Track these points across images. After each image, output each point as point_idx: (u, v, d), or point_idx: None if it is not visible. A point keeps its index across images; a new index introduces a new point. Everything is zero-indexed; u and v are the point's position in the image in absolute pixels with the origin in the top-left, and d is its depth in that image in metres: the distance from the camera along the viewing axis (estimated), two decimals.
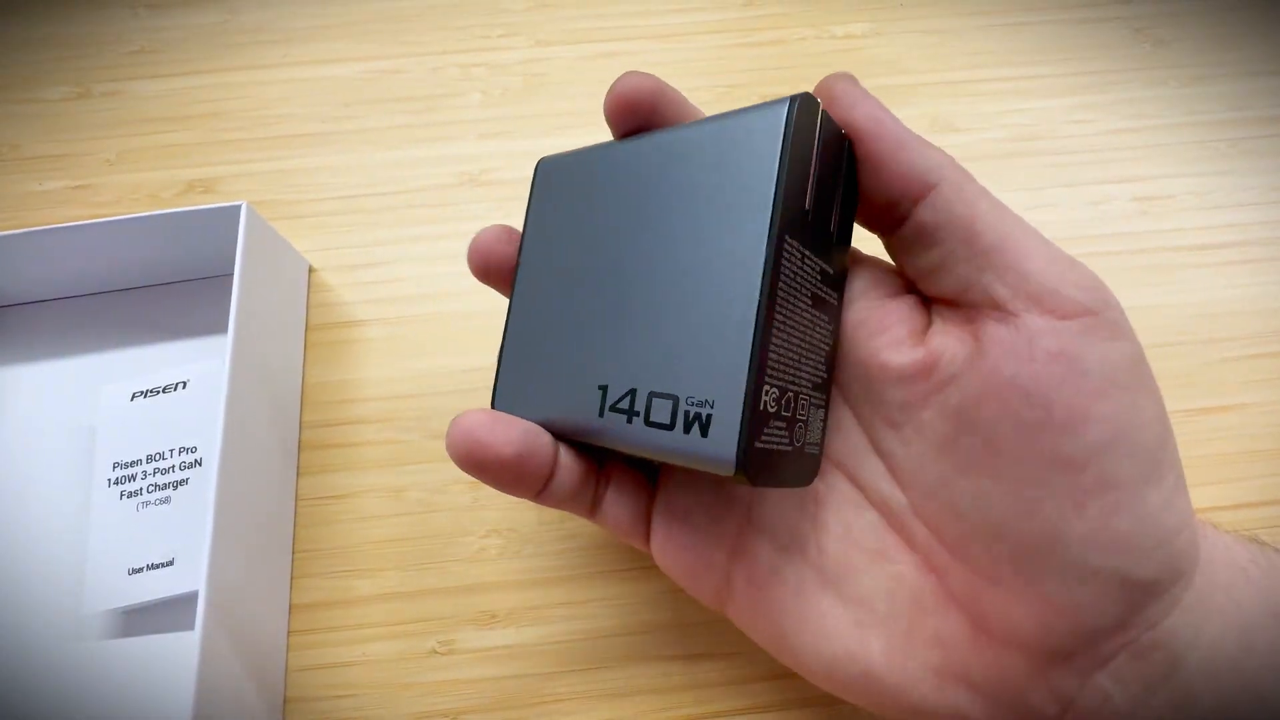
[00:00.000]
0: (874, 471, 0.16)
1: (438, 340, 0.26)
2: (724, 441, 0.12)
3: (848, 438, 0.16)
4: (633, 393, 0.14)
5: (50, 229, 0.22)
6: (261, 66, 0.31)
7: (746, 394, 0.12)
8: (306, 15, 0.32)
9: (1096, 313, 0.13)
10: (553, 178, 0.17)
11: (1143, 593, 0.13)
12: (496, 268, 0.18)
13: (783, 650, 0.16)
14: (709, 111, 0.30)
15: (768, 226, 0.13)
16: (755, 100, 0.31)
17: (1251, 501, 0.24)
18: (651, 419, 0.13)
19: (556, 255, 0.17)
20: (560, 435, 0.16)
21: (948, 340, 0.14)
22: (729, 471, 0.12)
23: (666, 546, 0.17)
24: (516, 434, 0.15)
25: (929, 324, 0.15)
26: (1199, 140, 0.30)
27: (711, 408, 0.13)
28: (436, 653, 0.22)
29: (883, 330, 0.15)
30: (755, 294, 0.12)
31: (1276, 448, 0.24)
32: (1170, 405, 0.25)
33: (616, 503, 0.17)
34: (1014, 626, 0.14)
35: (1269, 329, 0.26)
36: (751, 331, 0.12)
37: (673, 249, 0.14)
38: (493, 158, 0.29)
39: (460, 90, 0.31)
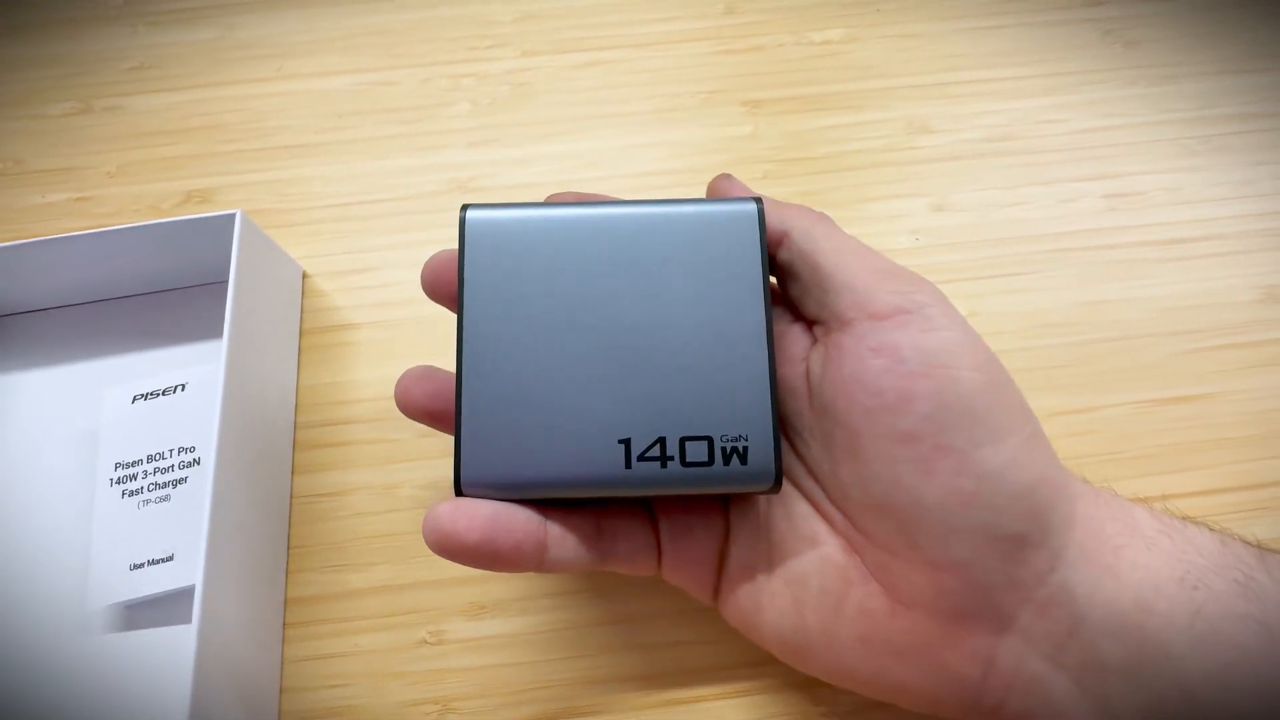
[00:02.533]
0: (799, 471, 0.18)
1: (427, 343, 0.27)
2: (764, 465, 0.16)
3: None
4: (662, 441, 0.16)
5: (53, 239, 0.23)
6: (257, 80, 0.32)
7: (774, 427, 0.16)
8: (300, 30, 0.33)
9: (910, 310, 0.16)
10: (487, 236, 0.17)
11: (1013, 544, 0.14)
12: (445, 290, 0.19)
13: (751, 631, 0.18)
14: (692, 117, 0.31)
15: (762, 298, 0.17)
16: (736, 105, 0.32)
17: (1219, 488, 0.24)
18: (688, 460, 0.16)
19: (511, 318, 0.17)
20: (572, 492, 0.16)
21: (815, 354, 0.17)
22: (768, 486, 0.16)
23: (676, 565, 0.18)
24: (480, 520, 0.15)
25: (812, 343, 0.18)
26: (1169, 138, 0.30)
27: (746, 441, 0.16)
28: (427, 643, 0.22)
29: (781, 352, 0.18)
30: (765, 351, 0.16)
31: (1244, 436, 0.25)
32: (1140, 395, 0.26)
33: (630, 545, 0.18)
34: (918, 592, 0.15)
35: (1236, 321, 0.27)
36: (768, 380, 0.16)
37: (670, 314, 0.17)
38: (481, 165, 0.30)
39: (449, 100, 0.32)
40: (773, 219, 0.18)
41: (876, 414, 0.15)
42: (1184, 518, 0.16)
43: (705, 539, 0.18)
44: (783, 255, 0.18)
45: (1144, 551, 0.15)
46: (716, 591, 0.19)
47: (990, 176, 0.30)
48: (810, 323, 0.18)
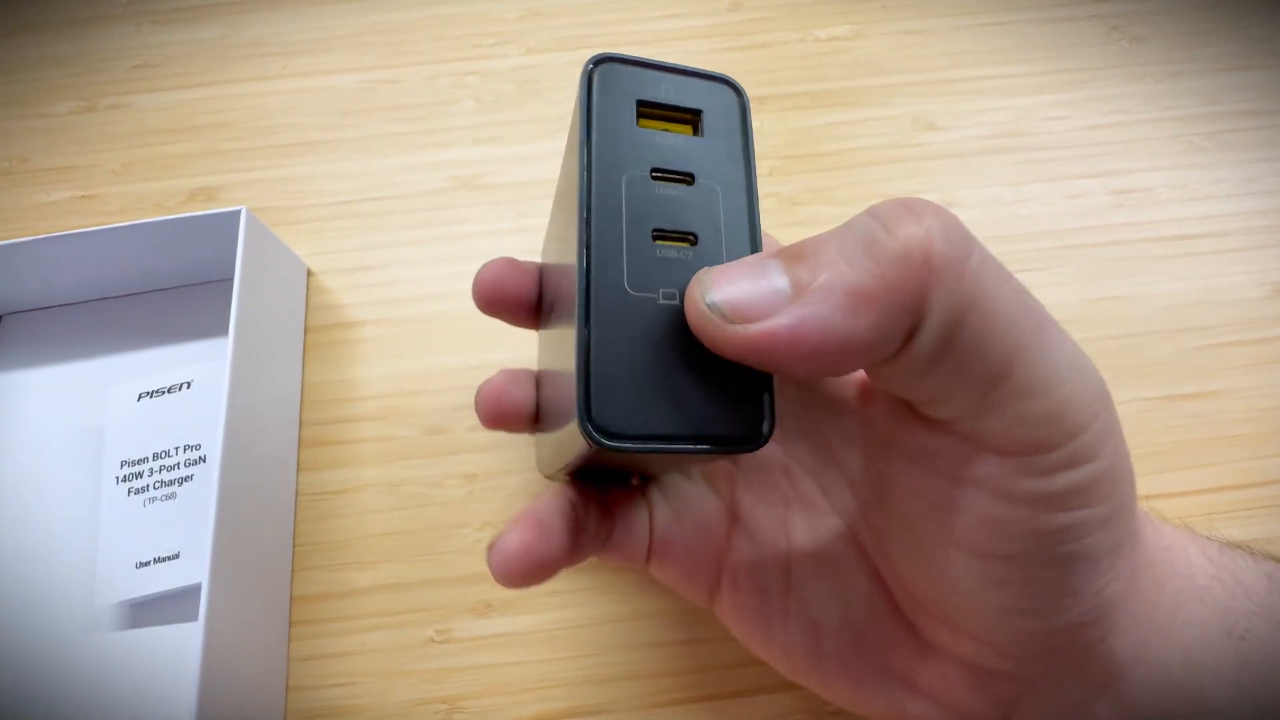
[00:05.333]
0: (835, 481, 0.16)
1: (432, 340, 0.27)
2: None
3: (819, 449, 0.17)
4: None
5: (58, 236, 0.23)
6: (261, 78, 0.32)
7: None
8: (304, 28, 0.33)
9: (1070, 458, 0.12)
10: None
11: (1065, 637, 0.13)
12: (503, 301, 0.18)
13: (752, 645, 0.17)
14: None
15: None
16: None
17: (1227, 485, 0.24)
18: None
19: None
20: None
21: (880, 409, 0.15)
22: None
23: (664, 561, 0.17)
24: (556, 545, 0.14)
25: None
26: (1175, 134, 0.30)
27: None
28: (433, 641, 0.22)
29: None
30: None
31: (1252, 432, 0.25)
32: (1148, 392, 0.26)
33: (627, 532, 0.16)
34: (949, 645, 0.14)
35: (1243, 317, 0.27)
36: None
37: None
38: (486, 162, 0.30)
39: (454, 98, 0.32)
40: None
41: (944, 528, 0.13)
42: (1231, 546, 0.16)
43: (702, 539, 0.17)
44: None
45: (1197, 606, 0.14)
46: (713, 596, 0.17)
47: (996, 173, 0.30)
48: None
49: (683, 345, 0.13)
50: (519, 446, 0.25)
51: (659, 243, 0.14)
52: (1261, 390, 0.26)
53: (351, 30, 0.33)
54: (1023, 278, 0.29)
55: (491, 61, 0.33)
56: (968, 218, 0.28)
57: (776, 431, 0.16)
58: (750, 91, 0.32)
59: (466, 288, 0.28)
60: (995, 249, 0.31)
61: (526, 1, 0.34)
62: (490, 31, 0.33)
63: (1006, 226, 0.28)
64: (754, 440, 0.13)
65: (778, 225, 0.29)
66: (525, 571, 0.14)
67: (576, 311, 0.13)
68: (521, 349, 0.26)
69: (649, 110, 0.14)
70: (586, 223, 0.13)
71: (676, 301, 0.13)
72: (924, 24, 0.33)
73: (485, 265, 0.18)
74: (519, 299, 0.18)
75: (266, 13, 0.34)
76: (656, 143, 0.14)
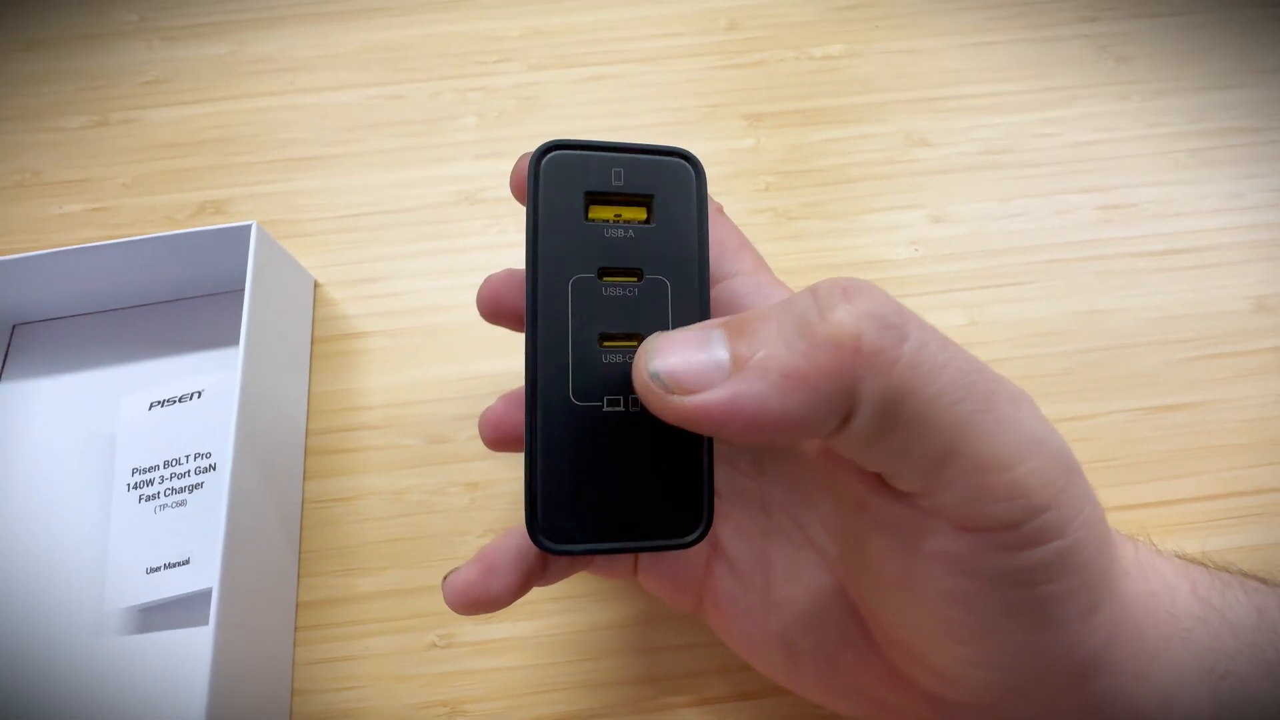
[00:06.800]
0: (811, 520, 0.17)
1: (436, 350, 0.27)
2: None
3: (793, 489, 0.17)
4: None
5: (71, 249, 0.24)
6: (269, 94, 0.33)
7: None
8: (311, 45, 0.34)
9: (1038, 534, 0.12)
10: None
11: (1034, 684, 0.13)
12: (502, 312, 0.19)
13: (740, 652, 0.18)
14: (695, 130, 0.32)
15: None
16: (738, 119, 0.32)
17: (1212, 494, 0.25)
18: None
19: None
20: None
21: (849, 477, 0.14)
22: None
23: (650, 576, 0.18)
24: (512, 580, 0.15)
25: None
26: (1161, 151, 0.31)
27: None
28: (436, 646, 0.23)
29: None
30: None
31: (1236, 443, 0.25)
32: (1134, 403, 0.26)
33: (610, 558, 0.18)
34: (918, 677, 0.15)
35: (1228, 330, 0.27)
36: None
37: None
38: (488, 177, 0.31)
39: (457, 114, 0.33)
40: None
41: (929, 609, 0.13)
42: (1225, 574, 0.16)
43: (682, 567, 0.18)
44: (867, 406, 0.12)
45: (1179, 648, 0.14)
46: (697, 610, 0.18)
47: (986, 188, 0.30)
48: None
49: (625, 452, 0.14)
50: (519, 455, 0.26)
51: (605, 344, 0.14)
52: (1245, 401, 0.26)
53: (356, 47, 0.34)
54: (1013, 290, 0.29)
55: (494, 78, 0.33)
56: (960, 232, 0.29)
57: (753, 468, 0.17)
58: (747, 108, 0.33)
59: (468, 299, 0.29)
60: (986, 263, 0.31)
61: (528, 20, 0.35)
62: (492, 49, 0.34)
63: (996, 241, 0.29)
64: (691, 538, 0.14)
65: (773, 239, 0.29)
66: (468, 606, 0.15)
67: (525, 421, 0.14)
68: (521, 359, 0.27)
69: (600, 198, 0.14)
70: (532, 331, 0.14)
71: (620, 408, 0.14)
72: (917, 43, 0.34)
73: (487, 278, 0.19)
74: (515, 311, 0.19)
75: (274, 30, 0.35)
76: (605, 237, 0.14)
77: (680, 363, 0.12)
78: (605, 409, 0.14)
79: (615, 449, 0.14)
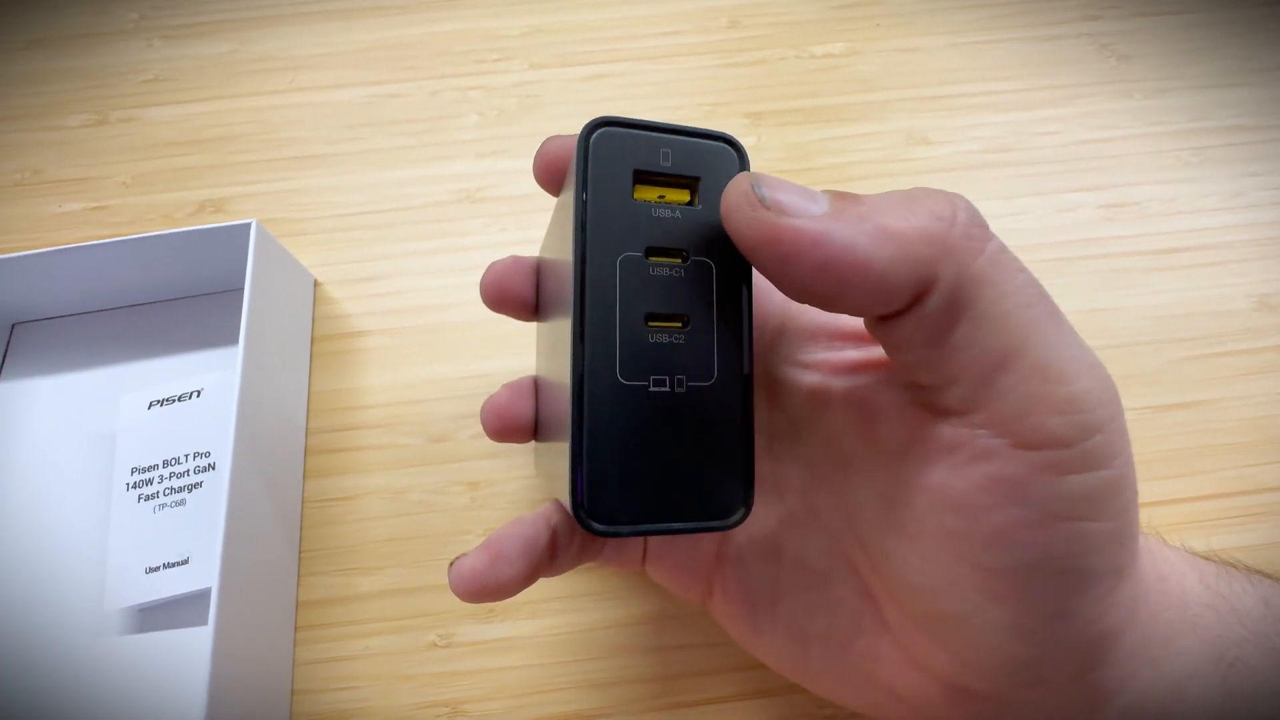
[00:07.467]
0: (827, 502, 0.17)
1: (437, 349, 0.27)
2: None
3: (810, 468, 0.17)
4: None
5: (71, 248, 0.24)
6: (269, 92, 0.33)
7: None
8: (311, 44, 0.34)
9: (1068, 444, 0.12)
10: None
11: (1052, 666, 0.13)
12: (506, 298, 0.19)
13: (746, 645, 0.18)
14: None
15: None
16: (739, 117, 0.32)
17: (1216, 493, 0.25)
18: None
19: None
20: None
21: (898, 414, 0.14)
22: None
23: (659, 565, 0.18)
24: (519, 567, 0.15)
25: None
26: (1162, 150, 0.31)
27: None
28: (436, 646, 0.23)
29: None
30: None
31: (1239, 441, 0.25)
32: (1138, 402, 0.26)
33: (619, 545, 0.18)
34: (932, 663, 0.15)
35: (1231, 329, 0.27)
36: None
37: None
38: (489, 175, 0.31)
39: (458, 112, 0.32)
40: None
41: (958, 537, 0.13)
42: (1230, 567, 0.16)
43: (691, 553, 0.18)
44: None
45: (1189, 636, 0.14)
46: (705, 600, 0.18)
47: (988, 187, 0.30)
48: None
49: (670, 433, 0.14)
50: (520, 454, 0.26)
51: (651, 325, 0.14)
52: (1248, 400, 0.26)
53: (357, 46, 0.34)
54: None
55: (494, 77, 0.33)
56: None
57: (768, 452, 0.17)
58: (748, 107, 0.33)
59: (469, 298, 0.29)
60: None
61: (529, 18, 0.35)
62: (493, 47, 0.34)
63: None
64: (734, 520, 0.14)
65: None
66: (474, 594, 0.15)
67: (570, 400, 0.13)
68: (522, 357, 0.27)
69: (646, 178, 0.14)
70: (580, 310, 0.14)
71: (666, 389, 0.14)
72: (917, 42, 0.34)
73: (492, 264, 0.19)
74: (520, 298, 0.19)
75: (274, 29, 0.35)
76: (652, 216, 0.14)
77: (784, 192, 0.12)
78: (651, 389, 0.14)
79: (660, 430, 0.14)
